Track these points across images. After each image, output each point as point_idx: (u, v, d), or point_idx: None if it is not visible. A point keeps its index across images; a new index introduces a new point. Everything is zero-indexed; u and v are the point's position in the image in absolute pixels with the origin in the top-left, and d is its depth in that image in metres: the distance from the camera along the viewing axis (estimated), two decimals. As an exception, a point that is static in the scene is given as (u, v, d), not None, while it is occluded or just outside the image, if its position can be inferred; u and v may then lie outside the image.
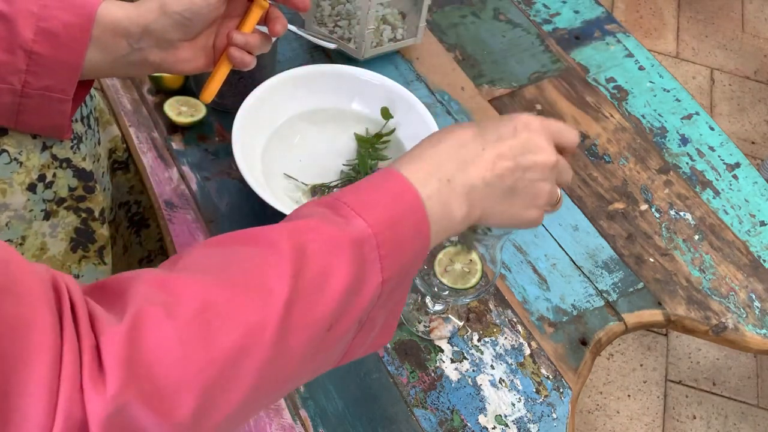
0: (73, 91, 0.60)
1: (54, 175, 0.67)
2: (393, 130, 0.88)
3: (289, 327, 0.42)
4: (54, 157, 0.67)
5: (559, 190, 0.58)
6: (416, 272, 0.52)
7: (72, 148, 0.68)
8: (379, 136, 0.88)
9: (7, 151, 0.63)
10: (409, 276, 0.50)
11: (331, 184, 0.86)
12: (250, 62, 0.66)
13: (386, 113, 0.87)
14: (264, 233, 0.45)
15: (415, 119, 0.87)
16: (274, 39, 0.68)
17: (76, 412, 0.35)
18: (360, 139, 0.88)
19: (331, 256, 0.45)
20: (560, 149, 0.57)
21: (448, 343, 0.78)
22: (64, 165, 0.68)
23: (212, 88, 0.68)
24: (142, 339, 0.38)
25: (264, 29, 0.67)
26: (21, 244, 0.68)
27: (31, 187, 0.66)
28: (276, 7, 0.67)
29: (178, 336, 0.39)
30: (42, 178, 0.66)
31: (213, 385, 0.39)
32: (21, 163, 0.64)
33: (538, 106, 1.01)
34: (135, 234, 0.89)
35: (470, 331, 0.79)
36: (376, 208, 0.48)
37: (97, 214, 0.73)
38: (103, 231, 0.74)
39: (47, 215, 0.69)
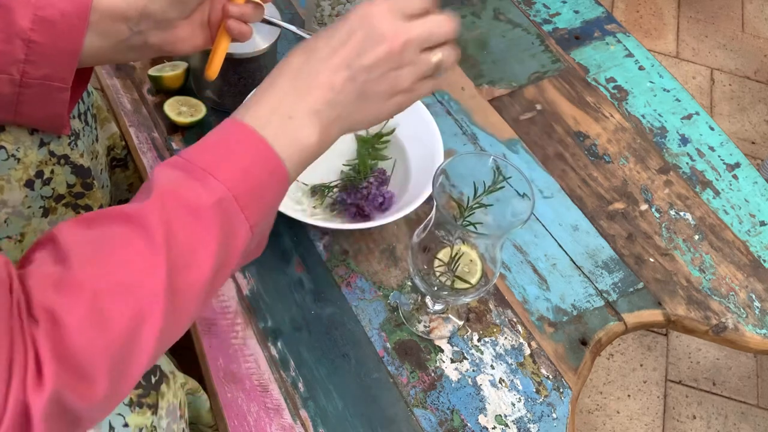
0: (71, 79, 0.59)
1: (52, 171, 0.67)
2: (393, 130, 0.88)
3: (175, 292, 0.46)
4: (52, 153, 0.67)
5: (439, 54, 0.57)
6: (277, 207, 0.54)
7: (70, 144, 0.68)
8: (379, 135, 0.88)
9: (4, 148, 0.62)
10: (274, 209, 0.54)
11: (332, 184, 0.86)
12: (248, 32, 0.66)
13: None
14: (133, 212, 0.47)
15: (415, 119, 0.87)
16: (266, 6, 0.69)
17: (21, 404, 0.40)
18: (360, 139, 0.88)
19: (197, 225, 0.48)
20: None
21: (448, 343, 0.78)
22: (62, 161, 0.68)
23: (215, 64, 0.68)
24: (58, 339, 0.42)
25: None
26: (20, 241, 0.68)
27: (29, 184, 0.66)
28: None
29: (80, 331, 0.42)
30: (40, 174, 0.66)
31: (118, 363, 0.44)
32: (18, 159, 0.64)
33: (538, 106, 1.01)
34: None
35: (470, 331, 0.79)
36: (227, 163, 0.50)
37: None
38: None
39: (46, 212, 0.68)
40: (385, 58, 0.54)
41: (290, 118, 0.53)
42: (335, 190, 0.85)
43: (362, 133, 0.89)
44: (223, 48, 0.68)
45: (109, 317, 0.44)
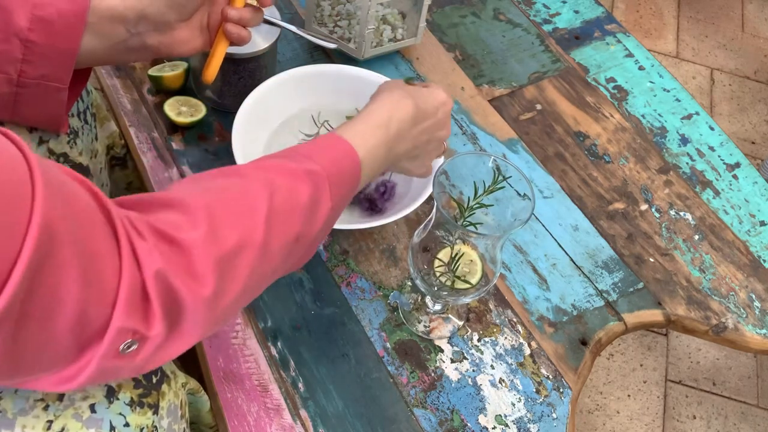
0: (69, 79, 0.59)
1: None
2: None
3: (270, 234, 0.53)
4: (51, 151, 0.67)
5: (444, 146, 0.76)
6: (347, 204, 0.64)
7: (68, 143, 0.68)
8: None
9: None
10: (344, 205, 0.63)
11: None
12: (246, 37, 0.69)
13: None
14: (239, 170, 0.56)
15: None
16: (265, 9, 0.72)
17: (135, 273, 0.45)
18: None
19: (294, 183, 0.56)
20: None
21: (448, 343, 0.78)
22: (61, 160, 0.68)
23: (213, 67, 0.69)
24: (165, 235, 0.48)
25: (253, 2, 0.70)
26: None
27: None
28: None
29: (197, 240, 0.49)
30: None
31: (223, 274, 0.50)
32: None
33: (538, 106, 1.01)
34: None
35: (470, 331, 0.79)
36: (320, 154, 0.60)
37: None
38: None
39: None
40: (442, 140, 0.73)
41: (390, 150, 0.66)
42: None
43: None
44: (221, 51, 0.69)
45: (220, 230, 0.50)
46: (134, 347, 0.47)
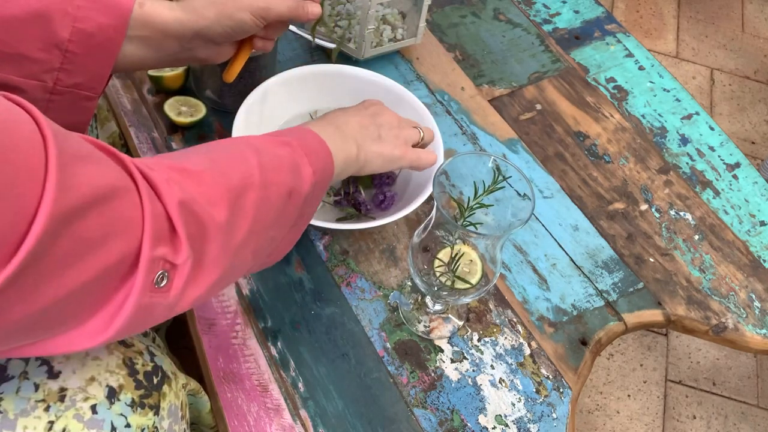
0: (101, 89, 0.62)
1: None
2: None
3: (266, 179, 0.57)
4: None
5: (420, 133, 0.79)
6: (329, 182, 0.67)
7: None
8: None
9: None
10: (325, 178, 0.65)
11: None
12: (270, 46, 0.76)
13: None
14: (223, 142, 0.60)
15: (415, 119, 0.87)
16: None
17: (156, 202, 0.47)
18: None
19: (273, 146, 0.60)
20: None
21: (448, 343, 0.78)
22: None
23: (235, 70, 0.75)
24: (179, 170, 0.51)
25: None
26: None
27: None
28: None
29: (205, 177, 0.52)
30: None
31: (234, 205, 0.53)
32: None
33: (538, 106, 1.01)
34: None
35: (470, 331, 0.79)
36: (288, 134, 0.64)
37: None
38: None
39: None
40: (389, 121, 0.76)
41: (339, 129, 0.70)
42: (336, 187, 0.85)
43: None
44: (245, 56, 0.74)
45: (222, 168, 0.54)
46: (166, 281, 0.48)
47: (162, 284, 0.48)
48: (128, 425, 0.56)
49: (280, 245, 0.63)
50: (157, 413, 0.59)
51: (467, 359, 0.77)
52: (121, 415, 0.56)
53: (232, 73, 0.75)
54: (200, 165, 0.53)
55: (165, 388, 0.60)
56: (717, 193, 0.95)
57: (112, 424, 0.55)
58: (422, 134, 0.79)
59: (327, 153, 0.66)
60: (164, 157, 0.54)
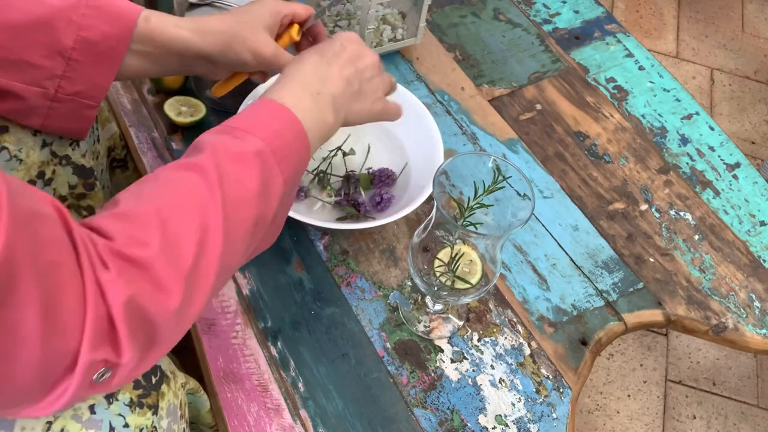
0: (102, 98, 0.62)
1: (54, 172, 0.68)
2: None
3: (228, 224, 0.52)
4: (54, 154, 0.67)
5: (390, 77, 0.73)
6: (302, 174, 0.62)
7: (71, 145, 0.69)
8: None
9: (7, 149, 0.63)
10: (298, 177, 0.61)
11: (332, 181, 0.86)
12: (265, 79, 0.75)
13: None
14: (187, 161, 0.54)
15: (414, 119, 0.87)
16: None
17: (100, 305, 0.44)
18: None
19: (242, 167, 0.54)
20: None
21: (448, 343, 0.78)
22: (64, 162, 0.68)
23: (226, 89, 0.75)
24: (128, 260, 0.46)
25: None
26: None
27: (31, 184, 0.66)
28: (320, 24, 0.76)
29: (157, 253, 0.48)
30: (41, 175, 0.66)
31: (191, 278, 0.49)
32: (21, 160, 0.64)
33: (538, 106, 1.01)
34: None
35: (470, 331, 0.79)
36: (263, 126, 0.58)
37: (97, 211, 0.73)
38: None
39: None
40: (371, 65, 0.68)
41: (318, 94, 0.63)
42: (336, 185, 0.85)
43: (362, 133, 0.89)
44: (239, 80, 0.74)
45: (177, 235, 0.49)
46: (108, 375, 0.46)
47: (102, 379, 0.46)
48: (126, 425, 0.56)
49: (259, 249, 0.61)
50: (155, 413, 0.58)
51: (467, 359, 0.77)
52: (120, 415, 0.56)
53: (222, 91, 0.75)
54: (153, 239, 0.48)
55: (164, 387, 0.60)
56: (717, 193, 0.95)
57: (110, 424, 0.55)
58: (391, 79, 0.74)
59: (304, 145, 0.61)
60: (114, 222, 0.49)
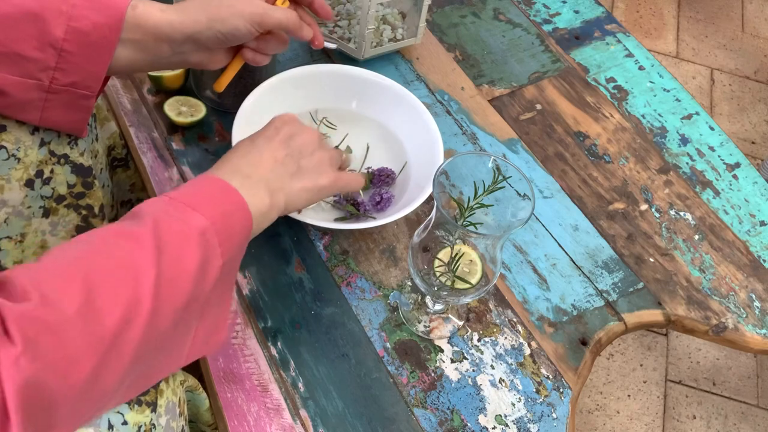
0: (98, 88, 0.62)
1: (52, 171, 0.68)
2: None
3: (159, 301, 0.49)
4: (52, 153, 0.67)
5: (338, 150, 0.72)
6: (241, 258, 0.59)
7: (69, 143, 0.69)
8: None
9: (5, 147, 0.63)
10: (237, 261, 0.58)
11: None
12: (262, 61, 0.72)
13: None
14: (127, 230, 0.52)
15: (415, 119, 0.87)
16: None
17: None
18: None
19: (184, 245, 0.52)
20: None
21: (448, 343, 0.78)
22: (62, 161, 0.68)
23: (225, 80, 0.73)
24: (39, 324, 0.43)
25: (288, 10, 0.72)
26: (20, 242, 0.68)
27: (29, 183, 0.66)
28: (308, 16, 0.73)
29: (72, 330, 0.44)
30: (40, 174, 0.66)
31: (104, 355, 0.46)
32: (19, 159, 0.64)
33: (538, 106, 1.01)
34: None
35: (470, 331, 0.79)
36: (208, 203, 0.56)
37: (96, 210, 0.73)
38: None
39: (46, 212, 0.69)
40: (308, 142, 0.67)
41: (248, 177, 0.61)
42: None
43: (362, 133, 0.89)
44: (236, 67, 0.73)
45: (100, 303, 0.46)
46: None
47: None
48: (125, 423, 0.56)
49: (187, 331, 0.56)
50: (154, 410, 0.58)
51: (467, 359, 0.77)
52: (118, 412, 0.56)
53: (222, 83, 0.74)
54: (73, 301, 0.45)
55: (162, 385, 0.60)
56: (717, 193, 0.95)
57: (109, 422, 0.55)
58: (343, 153, 0.73)
59: (248, 228, 0.58)
60: (36, 285, 0.45)
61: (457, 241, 0.70)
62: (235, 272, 0.59)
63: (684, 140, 1.00)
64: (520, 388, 0.76)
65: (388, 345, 0.77)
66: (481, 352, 0.78)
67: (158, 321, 0.49)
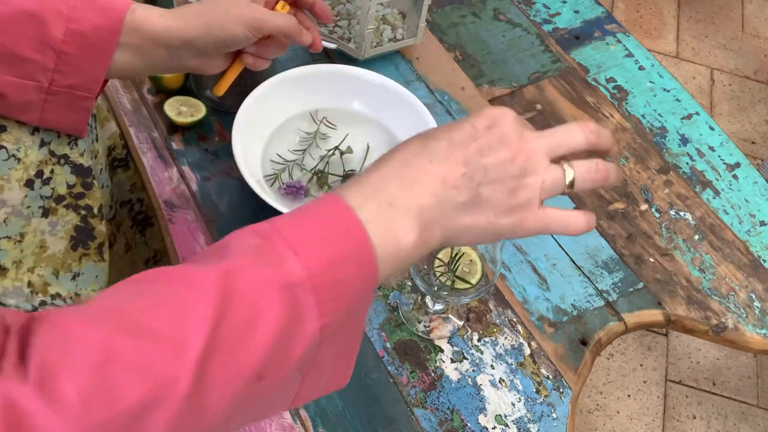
0: (97, 89, 0.62)
1: (52, 171, 0.68)
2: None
3: (205, 379, 0.38)
4: (52, 153, 0.67)
5: (572, 170, 0.50)
6: (368, 308, 0.45)
7: (69, 144, 0.69)
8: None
9: (5, 147, 0.63)
10: (358, 314, 0.45)
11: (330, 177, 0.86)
12: (261, 65, 0.71)
13: None
14: (191, 273, 0.40)
15: (415, 119, 0.87)
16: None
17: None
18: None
19: (260, 302, 0.40)
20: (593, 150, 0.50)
21: (448, 343, 0.78)
22: (62, 161, 0.68)
23: (225, 83, 0.73)
24: (49, 393, 0.35)
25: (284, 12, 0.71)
26: (20, 241, 0.68)
27: (29, 183, 0.66)
28: (308, 20, 0.72)
29: (78, 391, 0.36)
30: (40, 174, 0.66)
31: None
32: (19, 159, 0.64)
33: (538, 106, 1.01)
34: (140, 233, 0.89)
35: (470, 331, 0.79)
36: (313, 244, 0.42)
37: (96, 210, 0.73)
38: (102, 228, 0.74)
39: (45, 212, 0.69)
40: (508, 162, 0.47)
41: (390, 205, 0.45)
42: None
43: (362, 132, 0.89)
44: (236, 71, 0.72)
45: (116, 378, 0.36)
46: None
47: None
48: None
49: (263, 417, 0.46)
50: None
51: (467, 359, 0.77)
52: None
53: (222, 88, 0.73)
54: (80, 377, 0.36)
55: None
56: (717, 193, 0.95)
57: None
58: (572, 171, 0.50)
59: (369, 280, 0.43)
60: (51, 344, 0.37)
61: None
62: (355, 328, 0.45)
63: (684, 140, 1.00)
64: (520, 388, 0.76)
65: (388, 345, 0.77)
66: (481, 352, 0.78)
67: (202, 401, 0.38)
